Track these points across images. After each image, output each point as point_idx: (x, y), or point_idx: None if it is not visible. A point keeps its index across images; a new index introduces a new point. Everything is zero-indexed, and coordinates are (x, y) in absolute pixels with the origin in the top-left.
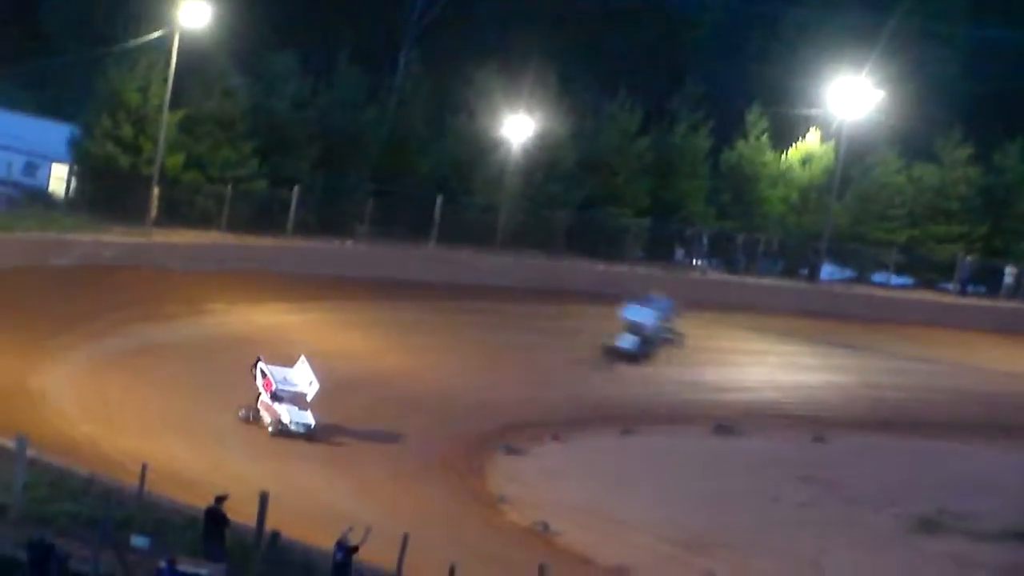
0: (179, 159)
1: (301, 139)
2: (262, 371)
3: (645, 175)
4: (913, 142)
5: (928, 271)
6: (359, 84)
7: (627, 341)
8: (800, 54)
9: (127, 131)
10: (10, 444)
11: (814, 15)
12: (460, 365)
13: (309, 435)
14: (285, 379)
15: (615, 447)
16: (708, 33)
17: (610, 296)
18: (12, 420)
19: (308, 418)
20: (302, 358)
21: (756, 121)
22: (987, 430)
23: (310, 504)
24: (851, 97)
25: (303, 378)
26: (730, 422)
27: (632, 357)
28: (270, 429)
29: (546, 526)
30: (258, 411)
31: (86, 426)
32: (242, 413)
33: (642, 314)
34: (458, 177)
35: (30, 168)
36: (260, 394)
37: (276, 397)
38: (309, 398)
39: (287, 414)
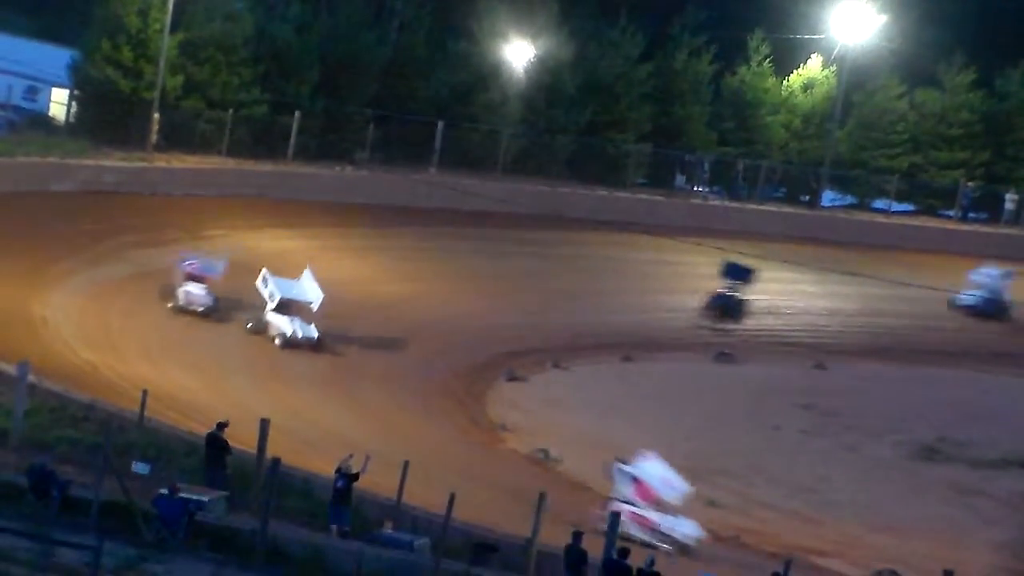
0: (179, 82)
1: (302, 64)
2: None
3: (646, 101)
4: (915, 68)
5: (929, 198)
6: (360, 9)
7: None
8: None
9: (127, 55)
10: (11, 370)
11: None
12: (461, 291)
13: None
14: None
15: (616, 374)
16: None
17: (611, 223)
18: (13, 346)
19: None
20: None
21: (758, 47)
22: (988, 358)
23: (311, 431)
24: (853, 22)
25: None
26: (731, 349)
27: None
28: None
29: (546, 453)
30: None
31: (87, 352)
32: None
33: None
34: (459, 103)
35: (31, 92)
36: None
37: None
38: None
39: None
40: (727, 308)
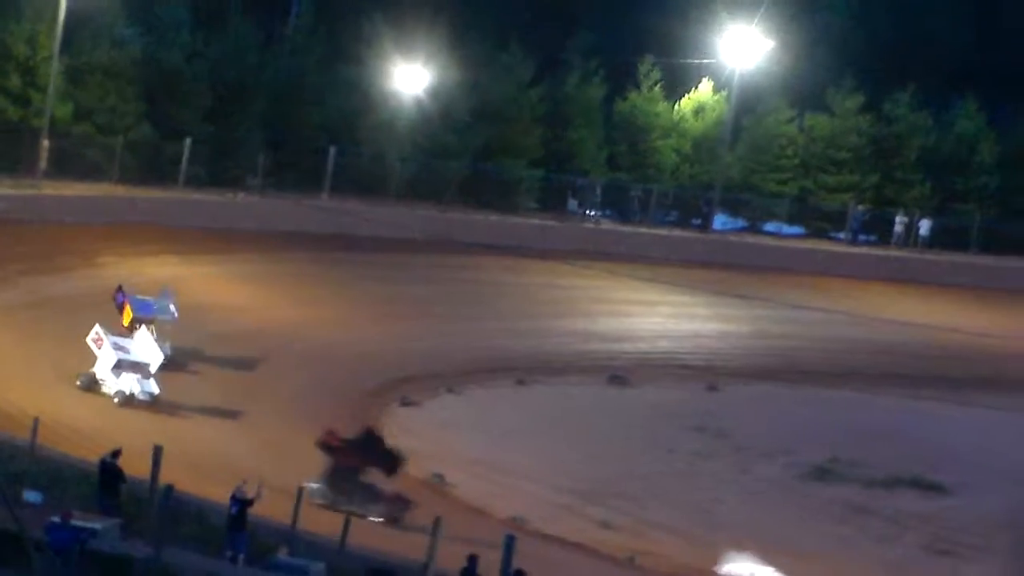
0: (68, 109)
1: (192, 90)
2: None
3: (538, 125)
4: (804, 92)
5: (819, 220)
6: (250, 35)
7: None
8: (691, 4)
9: (15, 82)
10: None
11: None
12: (353, 317)
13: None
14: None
15: (510, 398)
16: None
17: (504, 247)
18: None
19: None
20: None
21: (648, 71)
22: (878, 379)
23: (204, 458)
24: (742, 47)
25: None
26: (624, 372)
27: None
28: (116, 400)
29: (441, 478)
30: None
31: None
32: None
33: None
34: (351, 128)
35: None
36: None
37: (118, 367)
38: (153, 369)
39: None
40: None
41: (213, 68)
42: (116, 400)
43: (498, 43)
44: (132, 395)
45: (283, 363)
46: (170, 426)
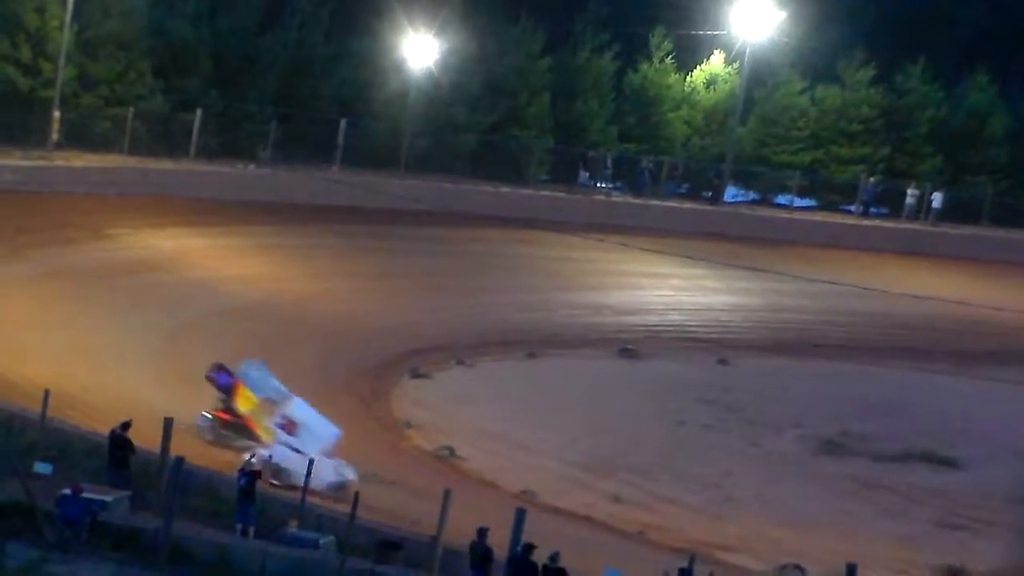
0: (74, 74)
1: (201, 60)
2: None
3: (549, 97)
4: (816, 64)
5: (830, 193)
6: (258, 5)
7: None
8: None
9: (25, 53)
10: None
11: None
12: (364, 290)
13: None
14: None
15: (520, 371)
16: None
17: (514, 220)
18: None
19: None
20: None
21: (660, 43)
22: (889, 352)
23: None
24: (754, 19)
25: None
26: (634, 345)
27: None
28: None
29: (451, 451)
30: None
31: None
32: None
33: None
34: (361, 100)
35: None
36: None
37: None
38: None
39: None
40: None
41: (220, 38)
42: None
43: (509, 15)
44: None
45: (293, 335)
46: (181, 397)
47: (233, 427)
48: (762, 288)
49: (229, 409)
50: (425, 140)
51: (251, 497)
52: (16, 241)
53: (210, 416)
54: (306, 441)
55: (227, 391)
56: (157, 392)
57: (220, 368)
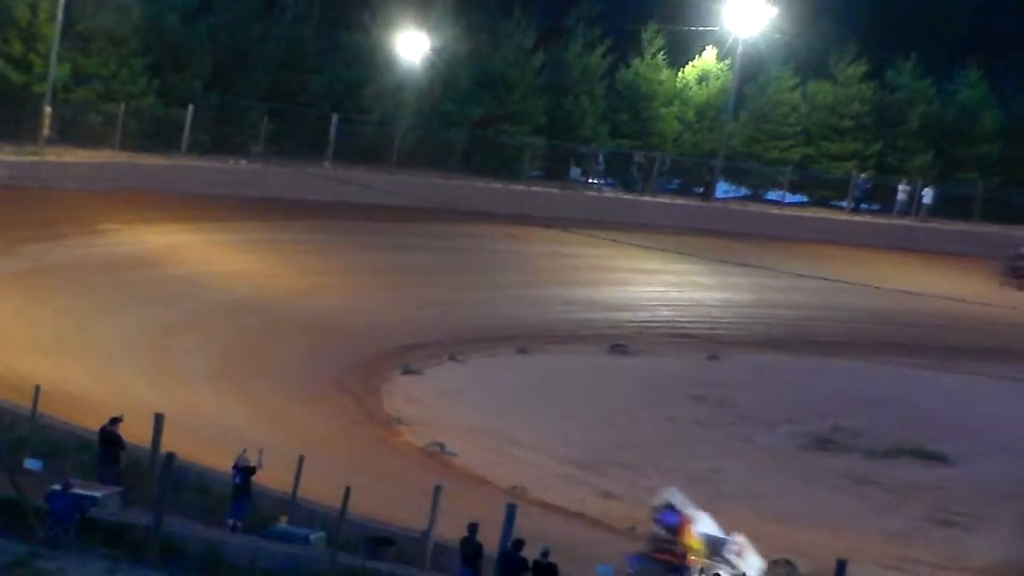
0: (67, 70)
1: (193, 56)
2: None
3: (540, 93)
4: (807, 60)
5: (822, 189)
6: (250, 1)
7: None
8: None
9: (16, 47)
10: None
11: None
12: (355, 285)
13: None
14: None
15: (512, 367)
16: None
17: (506, 216)
18: None
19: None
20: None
21: (652, 39)
22: (880, 348)
23: (205, 426)
24: (746, 14)
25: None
26: (625, 341)
27: None
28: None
29: (442, 447)
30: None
31: None
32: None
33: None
34: (353, 96)
35: None
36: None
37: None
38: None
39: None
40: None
41: (213, 33)
42: None
43: (501, 10)
44: None
45: (284, 331)
46: (173, 393)
47: (676, 569)
48: (753, 284)
49: (671, 551)
50: (416, 135)
51: (247, 492)
52: (7, 237)
53: (647, 558)
54: (748, 559)
55: (673, 531)
56: (148, 388)
57: (668, 507)
